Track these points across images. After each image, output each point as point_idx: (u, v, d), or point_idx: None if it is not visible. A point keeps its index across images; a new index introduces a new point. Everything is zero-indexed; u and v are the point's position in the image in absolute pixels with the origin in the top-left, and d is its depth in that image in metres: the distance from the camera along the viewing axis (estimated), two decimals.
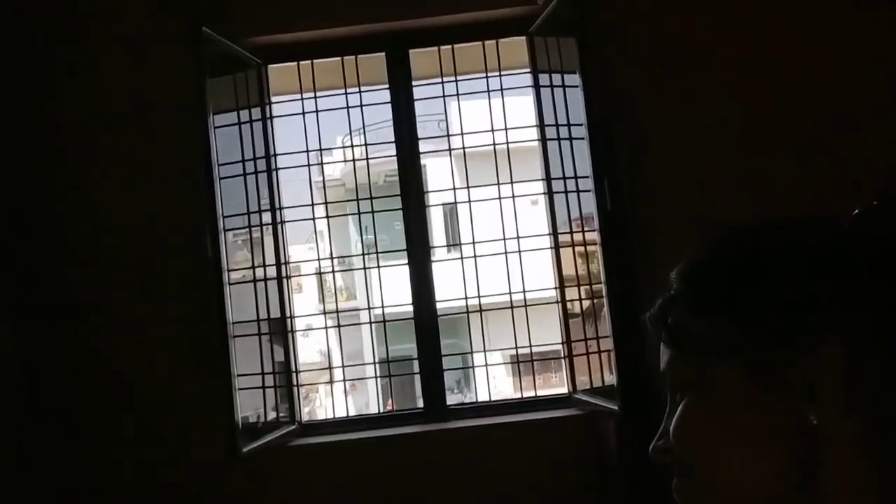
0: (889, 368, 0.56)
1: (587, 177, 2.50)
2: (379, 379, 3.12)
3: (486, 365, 2.97)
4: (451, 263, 3.06)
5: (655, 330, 0.66)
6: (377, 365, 2.99)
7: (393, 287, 2.98)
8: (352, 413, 2.97)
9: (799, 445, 0.57)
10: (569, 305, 2.86)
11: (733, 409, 0.59)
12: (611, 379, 2.58)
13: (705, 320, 0.61)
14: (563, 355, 2.91)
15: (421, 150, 2.92)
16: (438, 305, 2.89)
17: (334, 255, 2.94)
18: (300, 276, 2.53)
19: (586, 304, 2.85)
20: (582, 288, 2.83)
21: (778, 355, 0.57)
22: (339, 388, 2.99)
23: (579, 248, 2.76)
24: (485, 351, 2.98)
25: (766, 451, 0.58)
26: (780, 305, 0.58)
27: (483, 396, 2.99)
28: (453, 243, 2.54)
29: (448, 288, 3.01)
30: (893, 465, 0.56)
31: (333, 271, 2.82)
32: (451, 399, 2.91)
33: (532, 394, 2.94)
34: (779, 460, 0.57)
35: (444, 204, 2.99)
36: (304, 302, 2.82)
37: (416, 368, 2.89)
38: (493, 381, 2.96)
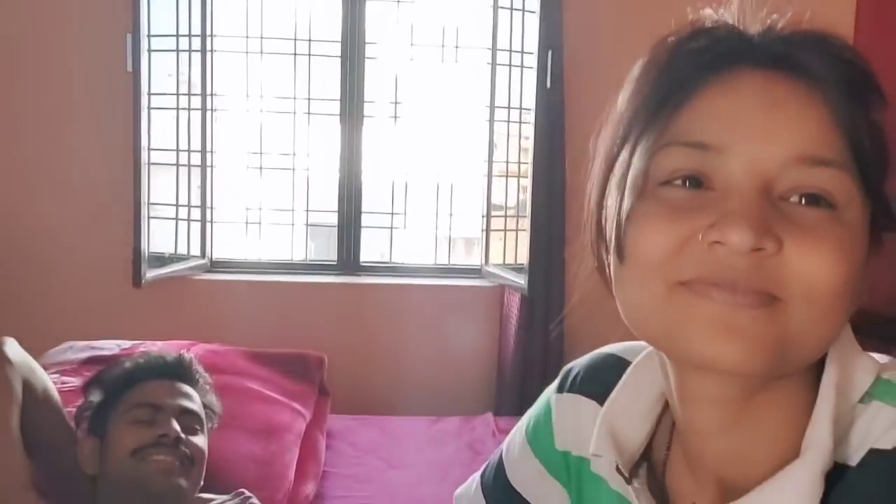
0: None
1: (532, 53, 2.45)
2: (297, 231, 3.11)
3: (405, 227, 2.99)
4: (383, 126, 3.00)
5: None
6: (294, 213, 2.97)
7: (321, 141, 2.93)
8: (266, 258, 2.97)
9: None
10: (494, 181, 2.89)
11: (861, 258, 0.49)
12: (522, 257, 2.64)
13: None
14: (481, 228, 2.95)
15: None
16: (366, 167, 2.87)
17: (263, 97, 2.84)
18: (226, 110, 2.43)
19: (512, 181, 2.88)
20: (510, 164, 2.86)
21: None
22: (255, 231, 2.97)
23: (513, 127, 2.76)
24: (405, 214, 2.99)
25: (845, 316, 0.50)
26: None
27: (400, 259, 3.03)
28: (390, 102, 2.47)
29: (378, 152, 2.98)
30: None
31: (262, 112, 2.71)
32: None
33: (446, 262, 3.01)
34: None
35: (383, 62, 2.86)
36: (226, 140, 2.74)
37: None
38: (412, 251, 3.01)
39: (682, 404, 0.55)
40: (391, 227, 2.98)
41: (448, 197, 3.00)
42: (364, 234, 2.94)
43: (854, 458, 0.49)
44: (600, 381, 0.65)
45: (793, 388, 0.52)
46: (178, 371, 1.40)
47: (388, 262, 2.98)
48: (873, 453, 0.48)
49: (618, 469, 0.58)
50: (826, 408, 0.50)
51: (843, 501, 0.48)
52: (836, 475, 0.49)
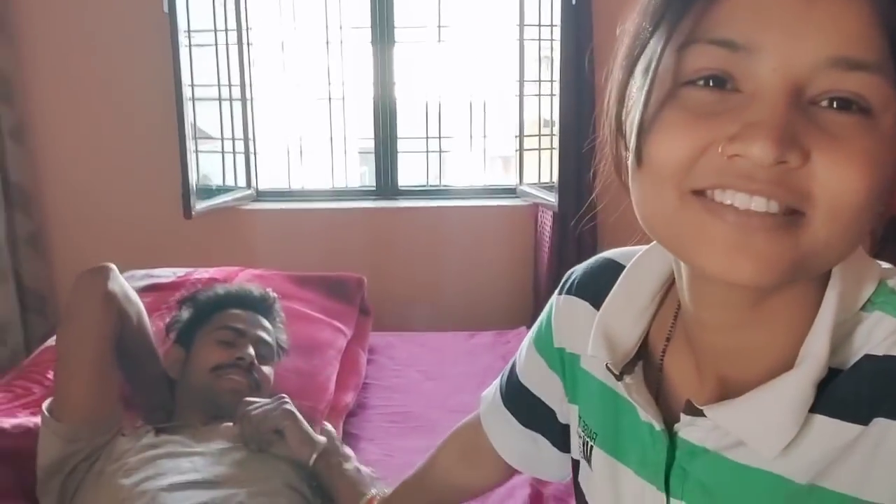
0: None
1: None
2: (343, 158, 3.22)
3: (440, 151, 3.06)
4: (415, 50, 3.04)
5: None
6: (332, 141, 3.06)
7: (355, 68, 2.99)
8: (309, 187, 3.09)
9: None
10: (528, 101, 2.91)
11: (894, 142, 0.45)
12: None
13: None
14: (515, 148, 3.00)
15: None
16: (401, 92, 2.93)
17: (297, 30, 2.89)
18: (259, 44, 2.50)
19: (545, 100, 2.90)
20: (543, 84, 2.87)
21: None
22: (298, 160, 3.08)
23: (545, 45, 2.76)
24: (439, 137, 3.05)
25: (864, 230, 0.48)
26: None
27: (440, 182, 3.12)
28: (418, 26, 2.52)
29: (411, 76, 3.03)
30: None
31: (296, 46, 2.80)
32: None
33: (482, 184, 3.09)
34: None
35: None
36: (265, 73, 2.84)
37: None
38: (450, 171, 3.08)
39: (693, 301, 0.55)
40: (427, 151, 3.05)
41: (482, 118, 3.05)
42: (405, 158, 3.03)
43: (849, 365, 0.50)
44: (595, 285, 0.69)
45: (803, 293, 0.52)
46: (262, 306, 1.57)
47: (425, 186, 3.07)
48: (866, 358, 0.49)
49: (608, 368, 0.62)
50: (826, 319, 0.50)
51: (829, 401, 0.50)
52: (829, 380, 0.50)
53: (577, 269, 0.74)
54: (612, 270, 0.67)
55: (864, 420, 0.48)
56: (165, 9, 2.42)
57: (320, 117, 3.10)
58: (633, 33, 0.51)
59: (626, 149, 0.52)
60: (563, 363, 0.73)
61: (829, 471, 0.50)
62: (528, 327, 2.56)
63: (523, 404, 0.79)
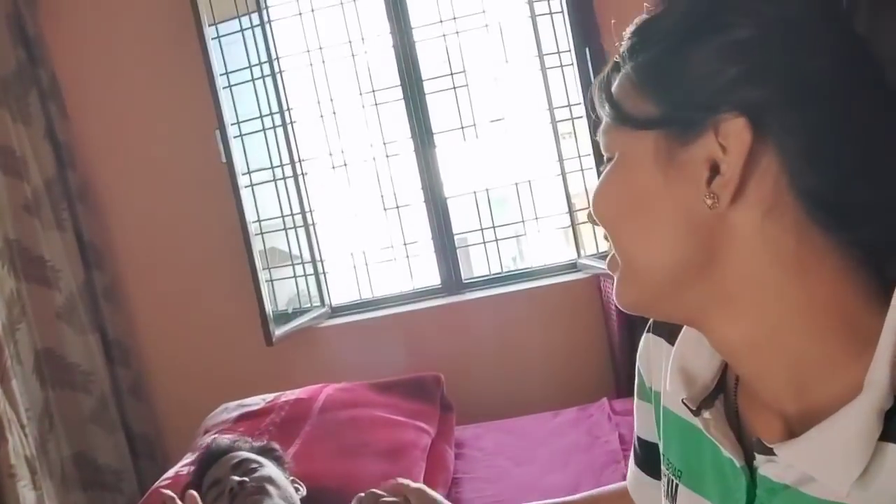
0: (790, 156, 0.52)
1: (567, 51, 2.57)
2: (401, 260, 3.36)
3: (497, 240, 3.16)
4: (455, 147, 3.19)
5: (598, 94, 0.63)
6: (393, 248, 3.21)
7: (401, 175, 3.17)
8: (378, 294, 3.22)
9: (701, 230, 0.56)
10: (569, 178, 3.01)
11: (642, 184, 0.57)
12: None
13: (630, 85, 0.58)
14: (568, 224, 3.08)
15: (416, 38, 3.01)
16: (447, 189, 3.07)
17: (344, 151, 3.10)
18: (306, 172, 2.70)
19: (588, 173, 2.98)
20: (583, 159, 2.96)
21: (686, 128, 0.55)
22: (364, 271, 3.23)
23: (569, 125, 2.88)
24: (493, 227, 3.16)
25: (669, 231, 0.57)
26: (696, 75, 0.54)
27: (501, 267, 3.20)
28: (453, 128, 2.66)
29: (455, 172, 3.17)
30: (789, 257, 0.54)
31: (346, 165, 2.99)
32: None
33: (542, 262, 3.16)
34: (681, 243, 0.56)
35: (439, 91, 3.04)
36: (320, 197, 3.07)
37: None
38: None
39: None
40: (483, 242, 3.16)
41: (531, 200, 3.14)
42: (471, 250, 3.15)
43: None
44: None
45: (824, 335, 0.53)
46: (217, 453, 1.74)
47: (487, 275, 3.16)
48: None
49: (684, 403, 0.63)
50: (885, 346, 0.50)
51: None
52: None
53: None
54: None
55: None
56: (223, 159, 2.65)
57: (379, 226, 3.27)
58: None
59: None
60: (655, 401, 0.75)
61: None
62: (610, 398, 2.58)
63: (650, 458, 0.79)
